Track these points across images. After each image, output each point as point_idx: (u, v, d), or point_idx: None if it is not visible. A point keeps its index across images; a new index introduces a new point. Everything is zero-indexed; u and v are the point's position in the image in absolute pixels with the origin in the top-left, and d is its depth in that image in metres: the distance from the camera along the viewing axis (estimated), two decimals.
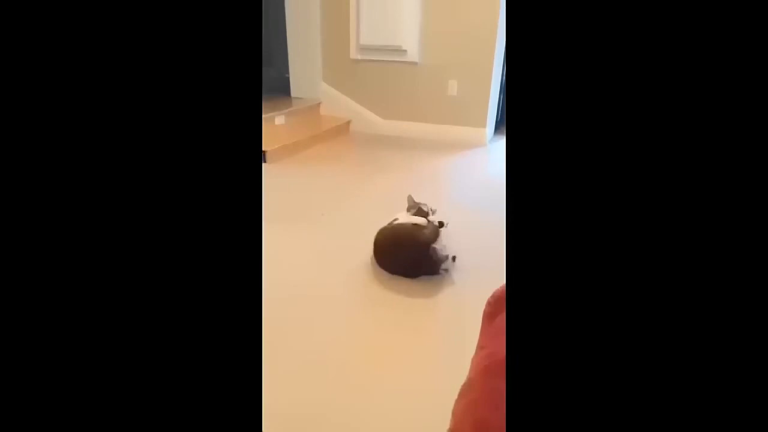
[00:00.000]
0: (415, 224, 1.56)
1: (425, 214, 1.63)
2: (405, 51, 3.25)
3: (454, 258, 1.58)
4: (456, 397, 0.55)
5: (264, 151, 2.67)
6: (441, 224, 1.59)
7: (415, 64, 3.30)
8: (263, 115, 2.88)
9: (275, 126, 3.06)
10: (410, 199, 1.69)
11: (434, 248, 1.47)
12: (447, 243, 1.56)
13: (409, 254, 1.48)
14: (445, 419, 0.53)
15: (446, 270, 1.52)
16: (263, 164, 2.64)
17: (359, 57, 3.41)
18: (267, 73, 3.68)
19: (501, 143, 3.42)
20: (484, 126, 3.31)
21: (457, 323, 1.29)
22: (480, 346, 0.63)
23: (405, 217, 1.61)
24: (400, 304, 1.41)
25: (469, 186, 2.51)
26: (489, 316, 0.68)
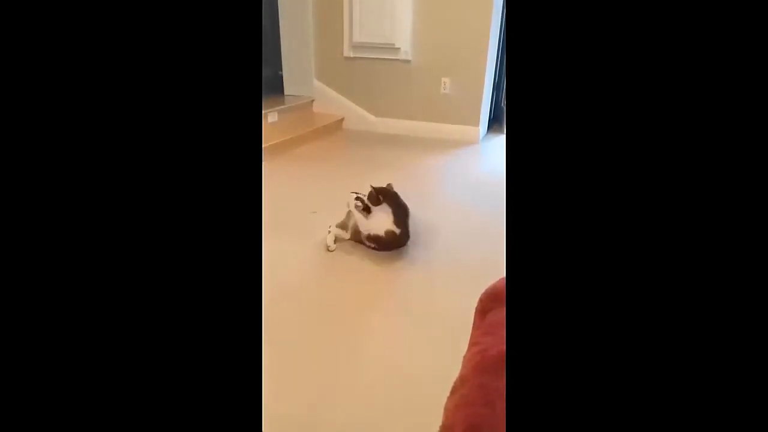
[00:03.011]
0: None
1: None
2: (398, 49, 3.25)
3: None
4: (448, 393, 0.55)
5: None
6: None
7: (408, 62, 3.29)
8: None
9: (268, 124, 3.04)
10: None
11: None
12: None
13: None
14: (438, 416, 0.53)
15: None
16: None
17: (352, 55, 3.40)
18: None
19: (494, 141, 3.43)
20: (477, 124, 3.31)
21: (449, 320, 1.29)
22: (472, 343, 0.63)
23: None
24: (391, 301, 1.41)
25: (462, 183, 2.51)
26: (481, 312, 0.69)
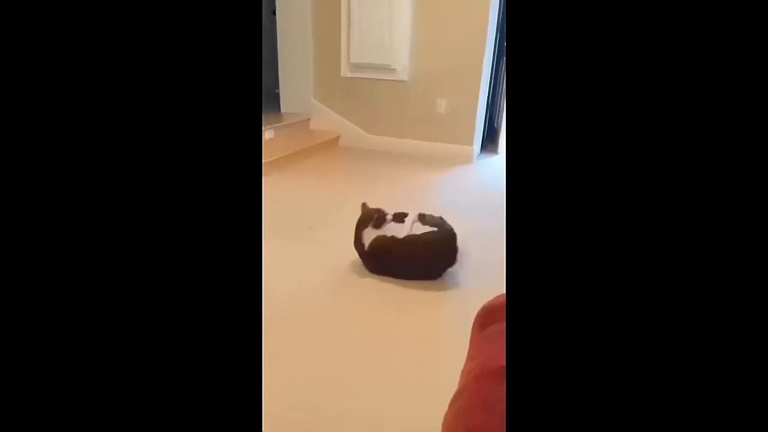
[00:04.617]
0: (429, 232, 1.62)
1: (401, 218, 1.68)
2: (394, 69, 3.31)
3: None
4: (447, 407, 0.56)
5: None
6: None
7: (404, 82, 3.35)
8: None
9: (264, 140, 3.07)
10: (365, 206, 1.70)
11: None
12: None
13: (437, 256, 1.58)
14: (437, 429, 0.54)
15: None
16: None
17: (350, 74, 3.46)
18: None
19: (487, 161, 3.48)
20: (471, 144, 3.36)
21: (446, 333, 1.29)
22: (470, 357, 0.64)
23: (402, 228, 1.64)
24: (388, 315, 1.41)
25: (457, 201, 2.54)
26: (479, 327, 0.69)
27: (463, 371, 0.62)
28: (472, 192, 2.74)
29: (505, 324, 0.63)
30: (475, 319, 0.71)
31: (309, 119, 3.65)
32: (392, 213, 1.67)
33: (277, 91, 3.74)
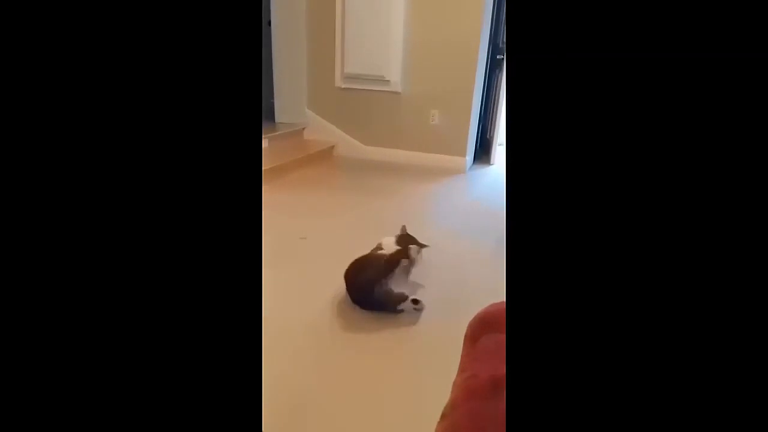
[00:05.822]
0: (376, 256, 1.53)
1: (405, 247, 1.60)
2: (388, 81, 3.34)
3: (414, 301, 1.48)
4: (438, 419, 0.56)
5: None
6: (416, 301, 1.49)
7: (397, 93, 3.38)
8: None
9: None
10: (403, 228, 1.68)
11: (380, 288, 1.44)
12: (411, 280, 1.54)
13: (359, 287, 1.48)
14: None
15: (401, 310, 1.47)
16: None
17: (344, 85, 3.48)
18: None
19: (480, 171, 3.50)
20: (464, 155, 3.39)
21: (437, 347, 1.29)
22: (462, 369, 0.64)
23: (387, 244, 1.61)
24: (379, 330, 1.41)
25: (449, 212, 2.55)
26: (471, 338, 0.70)
27: (454, 382, 0.62)
28: (465, 202, 2.76)
29: (496, 334, 0.63)
30: (467, 330, 0.72)
31: (303, 129, 3.67)
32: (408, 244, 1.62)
33: (271, 100, 3.75)
